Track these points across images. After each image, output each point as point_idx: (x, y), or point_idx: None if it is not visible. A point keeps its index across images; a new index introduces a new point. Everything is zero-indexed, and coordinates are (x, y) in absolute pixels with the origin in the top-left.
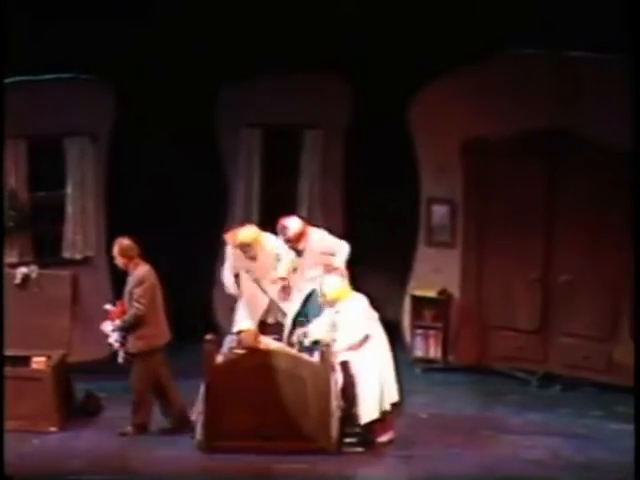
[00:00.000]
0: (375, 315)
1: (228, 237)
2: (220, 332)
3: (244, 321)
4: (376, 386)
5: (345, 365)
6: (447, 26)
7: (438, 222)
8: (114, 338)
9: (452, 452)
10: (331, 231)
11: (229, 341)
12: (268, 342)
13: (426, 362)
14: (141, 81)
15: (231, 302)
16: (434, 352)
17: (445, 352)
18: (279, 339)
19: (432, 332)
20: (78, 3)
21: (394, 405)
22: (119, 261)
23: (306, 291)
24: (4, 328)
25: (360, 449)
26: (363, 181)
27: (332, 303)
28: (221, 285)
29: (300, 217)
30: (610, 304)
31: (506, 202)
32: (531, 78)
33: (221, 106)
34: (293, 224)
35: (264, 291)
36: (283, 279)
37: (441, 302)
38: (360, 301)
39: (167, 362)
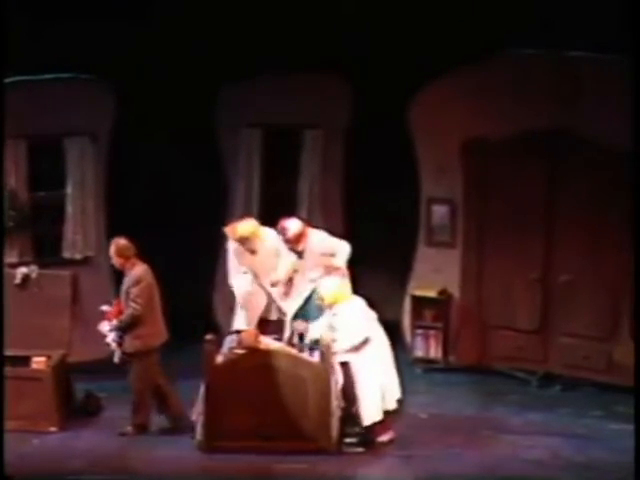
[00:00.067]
0: (374, 316)
1: (228, 230)
2: (220, 332)
3: (242, 321)
4: (377, 387)
5: (345, 366)
6: (447, 26)
7: (438, 222)
8: (111, 338)
9: (452, 452)
10: (331, 231)
11: (229, 341)
12: (268, 342)
13: (426, 362)
14: (141, 81)
15: (231, 302)
16: (434, 352)
17: (445, 352)
18: (279, 339)
19: (432, 332)
20: (78, 3)
21: (399, 402)
22: (116, 261)
23: (306, 293)
24: (4, 328)
25: (360, 449)
26: (363, 181)
27: (329, 306)
28: (221, 285)
29: (300, 218)
30: (610, 304)
31: (506, 202)
32: (531, 78)
33: (221, 106)
34: (293, 225)
35: (263, 288)
36: (279, 282)
37: (441, 302)
38: (357, 303)
39: (160, 362)
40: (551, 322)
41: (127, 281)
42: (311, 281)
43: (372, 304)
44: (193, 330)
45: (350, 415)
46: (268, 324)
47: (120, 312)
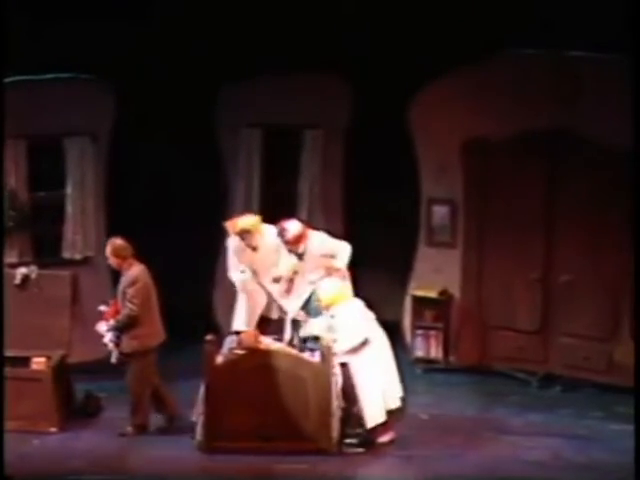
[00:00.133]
0: (372, 316)
1: (228, 225)
2: (220, 332)
3: (242, 322)
4: (378, 388)
5: (344, 367)
6: (447, 26)
7: (438, 222)
8: (108, 338)
9: (452, 453)
10: (331, 231)
11: (229, 342)
12: (268, 342)
13: (427, 362)
14: (141, 81)
15: (231, 302)
16: (435, 352)
17: (446, 352)
18: (279, 339)
19: (433, 332)
20: (78, 3)
21: (402, 399)
22: (113, 261)
23: (305, 295)
24: (4, 328)
25: (361, 449)
26: (363, 181)
27: (327, 307)
28: (221, 285)
29: (300, 220)
30: (610, 304)
31: (506, 202)
32: (531, 78)
33: (221, 106)
34: (292, 227)
35: (262, 286)
36: (281, 279)
37: (442, 302)
38: (355, 304)
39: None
40: (551, 322)
41: (124, 281)
42: (311, 283)
43: (372, 304)
44: (193, 330)
45: (352, 416)
46: (269, 324)
47: (117, 312)
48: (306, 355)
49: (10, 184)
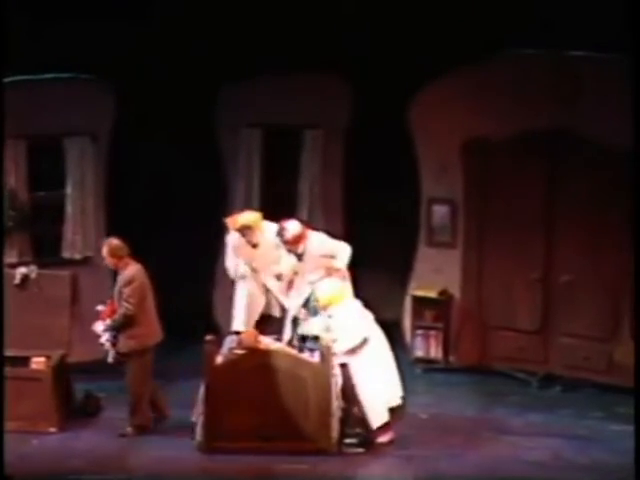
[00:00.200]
0: (370, 316)
1: (229, 221)
2: (220, 332)
3: (241, 322)
4: (380, 388)
5: (344, 367)
6: (447, 26)
7: (439, 222)
8: (105, 338)
9: (452, 453)
10: (331, 231)
11: (229, 342)
12: (268, 342)
13: (427, 362)
14: (141, 81)
15: (231, 301)
16: (435, 352)
17: (446, 352)
18: (279, 339)
19: (433, 332)
20: (78, 3)
21: (402, 399)
22: (109, 261)
23: (305, 294)
24: (4, 328)
25: (360, 449)
26: (363, 181)
27: (324, 307)
28: (221, 285)
29: (300, 220)
30: (610, 304)
31: (506, 202)
32: (531, 78)
33: (221, 106)
34: (291, 227)
35: (262, 283)
36: (282, 275)
37: (442, 302)
38: (353, 304)
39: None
40: (551, 322)
41: (120, 281)
42: (310, 283)
43: (372, 304)
44: (193, 330)
45: (352, 416)
46: (271, 322)
47: (114, 312)
48: (306, 355)
49: (10, 184)
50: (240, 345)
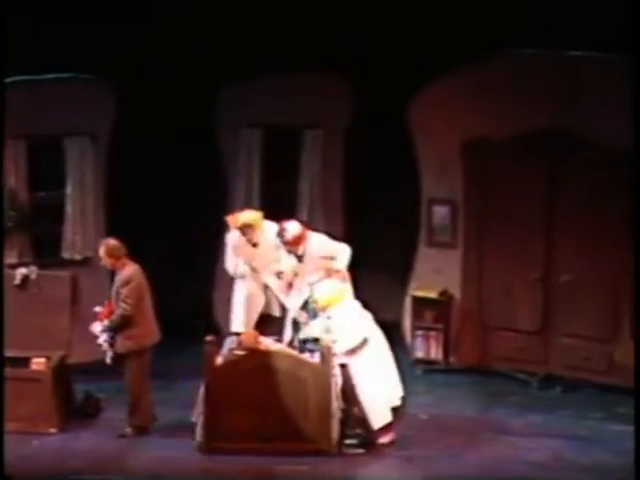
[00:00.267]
0: (369, 316)
1: (230, 219)
2: (220, 333)
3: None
4: (380, 389)
5: (344, 367)
6: (447, 26)
7: (439, 222)
8: (103, 339)
9: (453, 453)
10: (331, 232)
11: (229, 342)
12: (268, 343)
13: (427, 363)
14: (141, 81)
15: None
16: (435, 353)
17: (446, 353)
18: (280, 340)
19: (433, 333)
20: (78, 3)
21: (403, 399)
22: (107, 262)
23: (305, 296)
24: (4, 329)
25: (361, 450)
26: (363, 181)
27: (322, 309)
28: (221, 285)
29: (300, 221)
30: (611, 304)
31: (506, 202)
32: (531, 78)
33: (221, 106)
34: (291, 227)
35: (262, 283)
36: (284, 274)
37: (442, 303)
38: (352, 305)
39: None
40: (552, 323)
41: (117, 281)
42: (310, 284)
43: (372, 305)
44: (193, 330)
45: (352, 417)
46: (271, 322)
47: (111, 312)
48: (306, 356)
49: (10, 184)
50: (240, 346)
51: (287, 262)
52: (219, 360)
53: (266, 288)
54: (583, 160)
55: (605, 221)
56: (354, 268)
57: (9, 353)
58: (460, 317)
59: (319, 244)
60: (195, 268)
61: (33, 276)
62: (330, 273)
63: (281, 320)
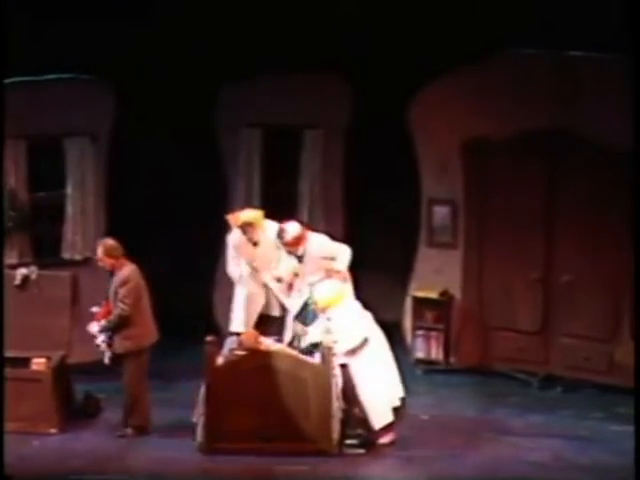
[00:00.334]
0: (369, 316)
1: (231, 218)
2: (221, 333)
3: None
4: (381, 389)
5: (345, 368)
6: (447, 26)
7: (439, 223)
8: (100, 339)
9: (453, 453)
10: (331, 232)
11: (230, 342)
12: (269, 343)
13: (427, 363)
14: (141, 81)
15: (231, 302)
16: (435, 353)
17: (446, 353)
18: (280, 340)
19: (433, 333)
20: (78, 3)
21: (402, 399)
22: (105, 262)
23: (304, 296)
24: (4, 329)
25: (361, 450)
26: (363, 181)
27: (322, 309)
28: (221, 285)
29: (300, 221)
30: (611, 304)
31: (506, 202)
32: (531, 78)
33: (221, 106)
34: (291, 228)
35: (262, 285)
36: (282, 279)
37: (442, 303)
38: (352, 305)
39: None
40: (552, 323)
41: (115, 281)
42: (310, 285)
43: (373, 305)
44: (193, 331)
45: (352, 417)
46: (270, 323)
47: (109, 313)
48: (306, 356)
49: (10, 184)
50: (241, 346)
51: (287, 263)
52: (219, 360)
53: (266, 288)
54: (583, 160)
55: (605, 221)
56: (354, 268)
57: (9, 353)
58: (460, 317)
59: (319, 244)
60: (195, 268)
61: (33, 276)
62: (330, 274)
63: (281, 320)
